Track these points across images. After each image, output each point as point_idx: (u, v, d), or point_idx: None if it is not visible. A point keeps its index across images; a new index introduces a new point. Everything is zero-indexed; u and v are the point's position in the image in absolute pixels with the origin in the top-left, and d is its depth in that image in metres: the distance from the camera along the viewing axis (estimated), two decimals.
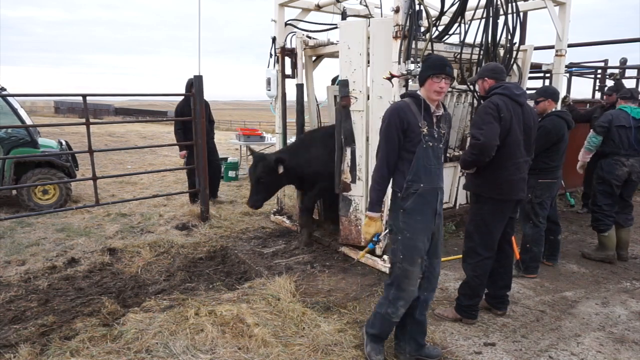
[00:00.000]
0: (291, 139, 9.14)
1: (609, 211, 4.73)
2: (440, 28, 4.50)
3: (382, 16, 5.33)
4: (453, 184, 5.58)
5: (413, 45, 3.91)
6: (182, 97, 6.63)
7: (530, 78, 6.04)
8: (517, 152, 3.20)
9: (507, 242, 3.47)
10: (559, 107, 4.74)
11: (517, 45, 4.69)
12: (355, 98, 4.55)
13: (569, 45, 5.52)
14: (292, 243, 5.24)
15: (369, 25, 4.33)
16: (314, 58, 5.85)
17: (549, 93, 4.35)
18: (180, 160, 9.70)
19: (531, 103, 4.70)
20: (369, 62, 4.38)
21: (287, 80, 5.82)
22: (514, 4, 4.36)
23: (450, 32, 4.43)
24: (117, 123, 18.11)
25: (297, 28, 5.65)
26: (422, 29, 4.11)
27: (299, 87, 5.05)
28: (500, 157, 3.15)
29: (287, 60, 5.60)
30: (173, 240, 5.19)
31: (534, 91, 4.84)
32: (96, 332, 3.13)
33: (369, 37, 4.32)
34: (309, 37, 5.43)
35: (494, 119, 3.07)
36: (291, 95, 5.86)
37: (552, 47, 5.57)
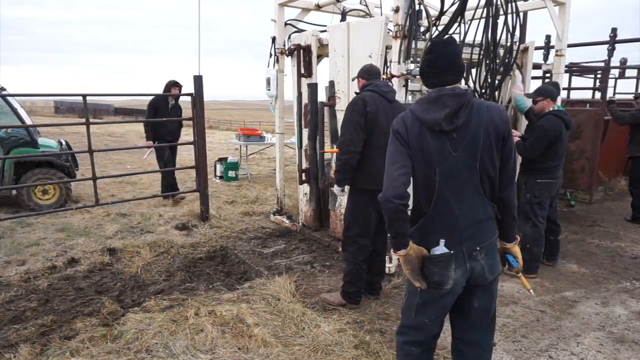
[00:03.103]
0: (291, 139, 9.17)
1: None
2: (440, 28, 4.50)
3: (382, 15, 5.32)
4: None
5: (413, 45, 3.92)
6: (157, 94, 6.80)
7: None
8: (386, 144, 3.35)
9: (382, 231, 3.67)
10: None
11: (517, 44, 4.69)
12: (339, 98, 4.72)
13: (569, 45, 5.51)
14: (292, 243, 5.25)
15: (349, 28, 4.45)
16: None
17: (546, 92, 4.34)
18: (181, 160, 9.70)
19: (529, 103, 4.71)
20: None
21: (284, 79, 5.81)
22: (513, 3, 4.35)
23: (450, 31, 4.43)
24: (117, 123, 18.07)
25: (297, 28, 5.64)
26: (422, 29, 4.11)
27: (314, 86, 5.05)
28: (370, 149, 3.38)
29: (287, 59, 5.59)
30: (173, 240, 5.19)
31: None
32: (96, 332, 3.14)
33: (349, 40, 4.44)
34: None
35: (360, 115, 3.32)
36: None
37: (551, 47, 5.57)
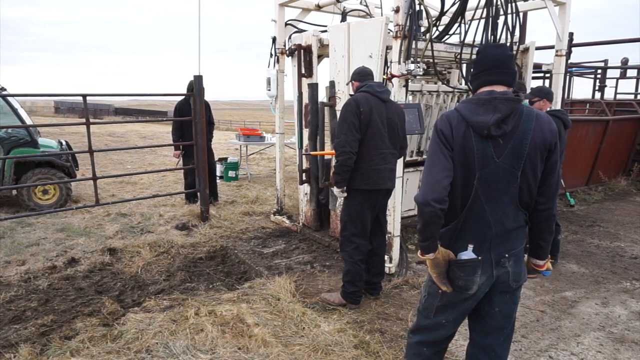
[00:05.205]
0: (291, 139, 9.17)
1: None
2: (441, 28, 4.50)
3: (382, 16, 5.32)
4: None
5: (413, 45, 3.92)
6: (182, 97, 6.63)
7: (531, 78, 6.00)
8: (381, 143, 3.44)
9: (380, 231, 3.72)
10: (558, 106, 4.73)
11: (517, 45, 4.69)
12: (339, 98, 4.72)
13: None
14: (292, 243, 5.25)
15: (349, 28, 4.46)
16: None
17: (543, 93, 4.36)
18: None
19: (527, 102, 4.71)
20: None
21: (284, 79, 5.81)
22: (514, 4, 4.35)
23: (451, 32, 4.43)
24: (117, 123, 18.12)
25: (297, 28, 5.64)
26: (422, 29, 4.11)
27: (314, 86, 5.05)
28: (365, 148, 3.40)
29: (288, 59, 5.59)
30: (173, 240, 5.19)
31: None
32: (96, 332, 3.14)
33: (349, 40, 4.44)
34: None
35: (353, 116, 3.32)
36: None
37: (552, 47, 5.57)
